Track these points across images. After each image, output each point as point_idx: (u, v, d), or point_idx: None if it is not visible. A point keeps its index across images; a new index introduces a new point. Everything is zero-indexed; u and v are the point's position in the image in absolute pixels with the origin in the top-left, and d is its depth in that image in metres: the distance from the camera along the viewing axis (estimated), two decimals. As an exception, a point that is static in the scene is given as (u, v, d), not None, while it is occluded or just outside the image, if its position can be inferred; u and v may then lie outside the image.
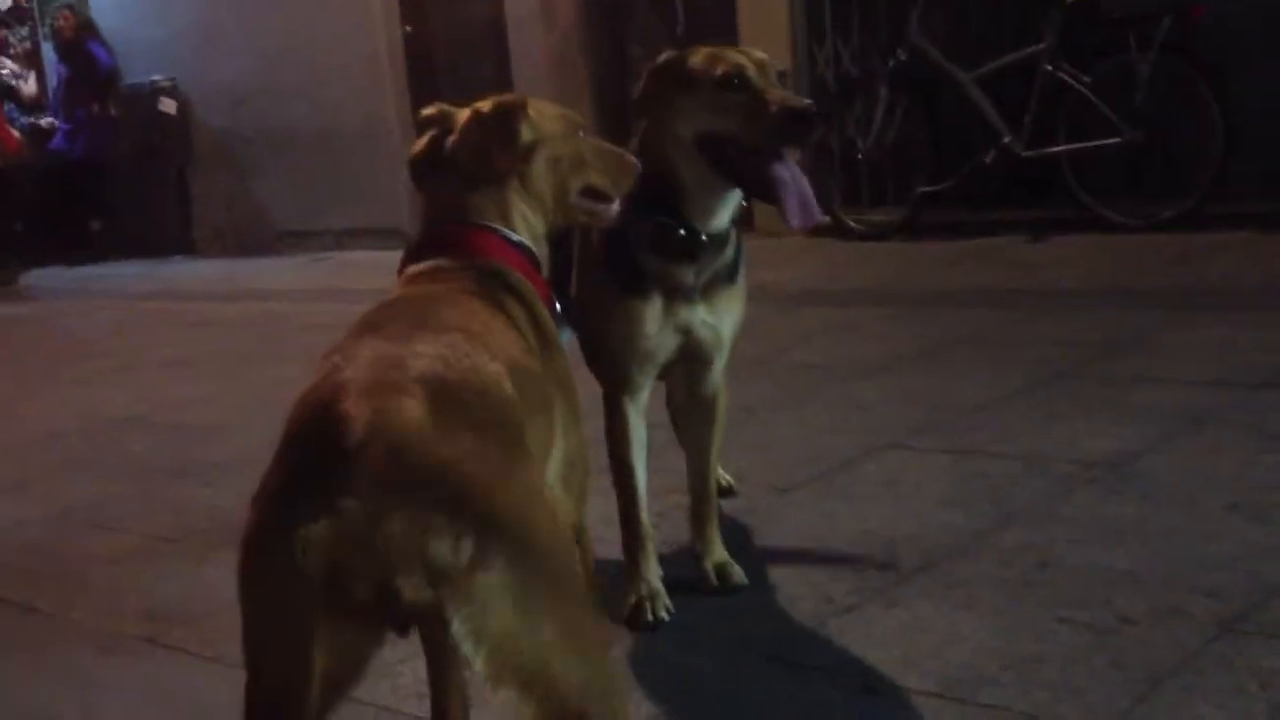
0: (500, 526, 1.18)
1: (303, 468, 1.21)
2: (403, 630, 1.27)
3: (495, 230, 1.78)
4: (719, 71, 2.22)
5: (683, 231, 2.26)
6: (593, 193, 1.95)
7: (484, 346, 1.40)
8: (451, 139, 1.86)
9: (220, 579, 2.88)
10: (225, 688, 2.24)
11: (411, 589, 1.16)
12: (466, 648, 1.16)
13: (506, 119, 1.83)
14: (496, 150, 1.81)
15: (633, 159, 2.03)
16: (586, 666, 1.24)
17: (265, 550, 1.20)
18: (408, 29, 9.76)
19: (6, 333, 8.34)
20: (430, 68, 9.73)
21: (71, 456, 4.23)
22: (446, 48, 9.74)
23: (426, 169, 1.88)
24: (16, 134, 10.57)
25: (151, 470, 3.90)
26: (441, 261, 1.73)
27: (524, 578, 1.18)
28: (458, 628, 1.16)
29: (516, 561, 1.18)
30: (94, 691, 2.35)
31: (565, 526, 1.32)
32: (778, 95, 2.19)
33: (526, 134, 1.84)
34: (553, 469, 1.56)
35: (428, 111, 1.94)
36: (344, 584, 1.17)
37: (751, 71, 2.22)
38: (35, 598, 2.86)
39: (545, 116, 1.89)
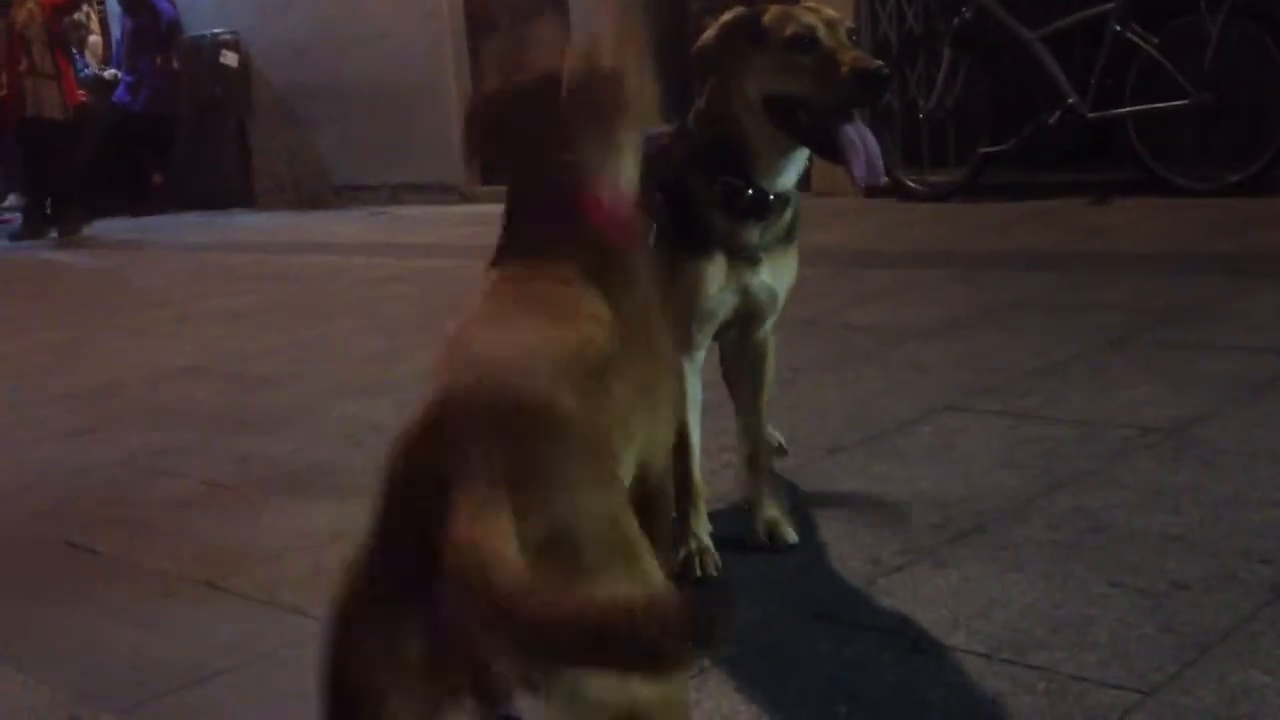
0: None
1: (398, 560, 1.16)
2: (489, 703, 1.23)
3: (601, 194, 1.58)
4: (789, 31, 2.18)
5: (750, 191, 2.26)
6: None
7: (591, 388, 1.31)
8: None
9: (277, 525, 2.96)
10: (280, 631, 2.30)
11: (509, 672, 1.13)
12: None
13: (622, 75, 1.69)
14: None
15: None
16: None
17: (357, 624, 1.17)
18: (468, -16, 9.75)
19: (70, 283, 8.48)
20: (490, 24, 9.72)
21: (133, 405, 4.30)
22: (507, 3, 9.71)
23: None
24: (82, 93, 10.69)
25: (211, 419, 3.97)
26: (546, 245, 1.56)
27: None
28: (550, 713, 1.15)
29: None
30: (153, 632, 2.40)
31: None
32: (849, 56, 2.16)
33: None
34: (643, 440, 1.53)
35: None
36: (437, 667, 1.14)
37: (822, 31, 2.18)
38: (98, 541, 2.92)
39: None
